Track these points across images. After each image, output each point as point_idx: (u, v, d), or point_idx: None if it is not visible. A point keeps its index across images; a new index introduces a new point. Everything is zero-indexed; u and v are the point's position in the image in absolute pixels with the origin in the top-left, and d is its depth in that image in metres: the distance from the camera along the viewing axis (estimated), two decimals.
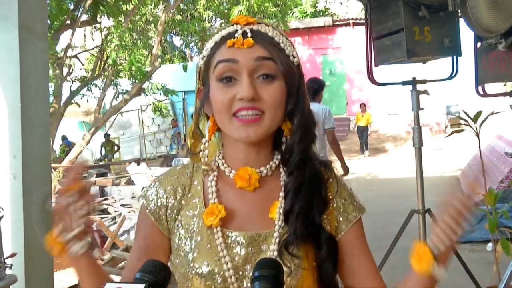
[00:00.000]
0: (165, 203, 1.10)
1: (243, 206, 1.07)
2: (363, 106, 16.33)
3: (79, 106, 13.02)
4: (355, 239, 1.10)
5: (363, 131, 15.93)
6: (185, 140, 18.42)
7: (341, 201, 1.10)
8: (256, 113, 1.01)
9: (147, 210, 1.10)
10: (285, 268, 0.97)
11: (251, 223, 1.06)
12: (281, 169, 1.11)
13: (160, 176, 1.15)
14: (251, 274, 0.89)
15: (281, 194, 1.07)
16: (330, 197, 1.09)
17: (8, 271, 2.26)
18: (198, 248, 1.03)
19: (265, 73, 1.02)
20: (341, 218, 1.09)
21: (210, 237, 1.04)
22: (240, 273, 1.02)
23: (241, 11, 12.61)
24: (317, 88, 4.95)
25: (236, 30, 1.04)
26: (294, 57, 1.06)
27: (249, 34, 1.03)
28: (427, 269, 0.95)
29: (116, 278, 5.53)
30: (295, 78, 1.05)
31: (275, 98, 1.02)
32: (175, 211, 1.09)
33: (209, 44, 1.07)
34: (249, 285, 0.95)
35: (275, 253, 1.02)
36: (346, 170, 5.55)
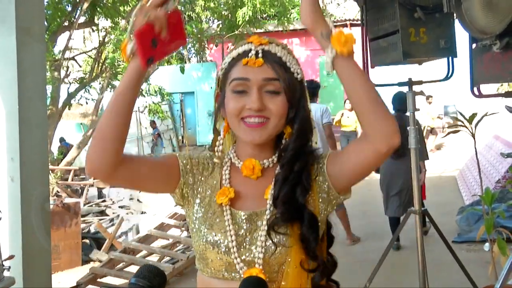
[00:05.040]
0: (190, 168, 1.34)
1: (247, 190, 1.32)
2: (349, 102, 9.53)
3: (82, 105, 13.02)
4: (333, 156, 1.29)
5: (349, 139, 10.32)
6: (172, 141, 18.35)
7: (317, 165, 1.29)
8: (262, 120, 1.25)
9: (179, 160, 1.33)
10: (273, 244, 1.22)
11: (251, 203, 1.30)
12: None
13: (193, 153, 1.39)
14: (249, 245, 1.22)
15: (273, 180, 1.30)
16: (314, 177, 1.28)
17: (6, 273, 2.27)
18: (208, 221, 1.29)
19: (271, 89, 1.26)
20: (320, 178, 1.28)
21: (219, 213, 1.28)
22: (241, 244, 1.25)
23: (245, 13, 12.93)
24: (314, 88, 5.53)
25: (250, 50, 1.27)
26: (298, 74, 1.29)
27: (260, 55, 1.26)
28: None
29: (114, 280, 5.51)
30: (296, 93, 1.28)
31: (279, 109, 1.26)
32: (195, 180, 1.34)
33: (228, 59, 1.31)
34: (247, 254, 1.22)
35: (266, 228, 1.24)
36: None
